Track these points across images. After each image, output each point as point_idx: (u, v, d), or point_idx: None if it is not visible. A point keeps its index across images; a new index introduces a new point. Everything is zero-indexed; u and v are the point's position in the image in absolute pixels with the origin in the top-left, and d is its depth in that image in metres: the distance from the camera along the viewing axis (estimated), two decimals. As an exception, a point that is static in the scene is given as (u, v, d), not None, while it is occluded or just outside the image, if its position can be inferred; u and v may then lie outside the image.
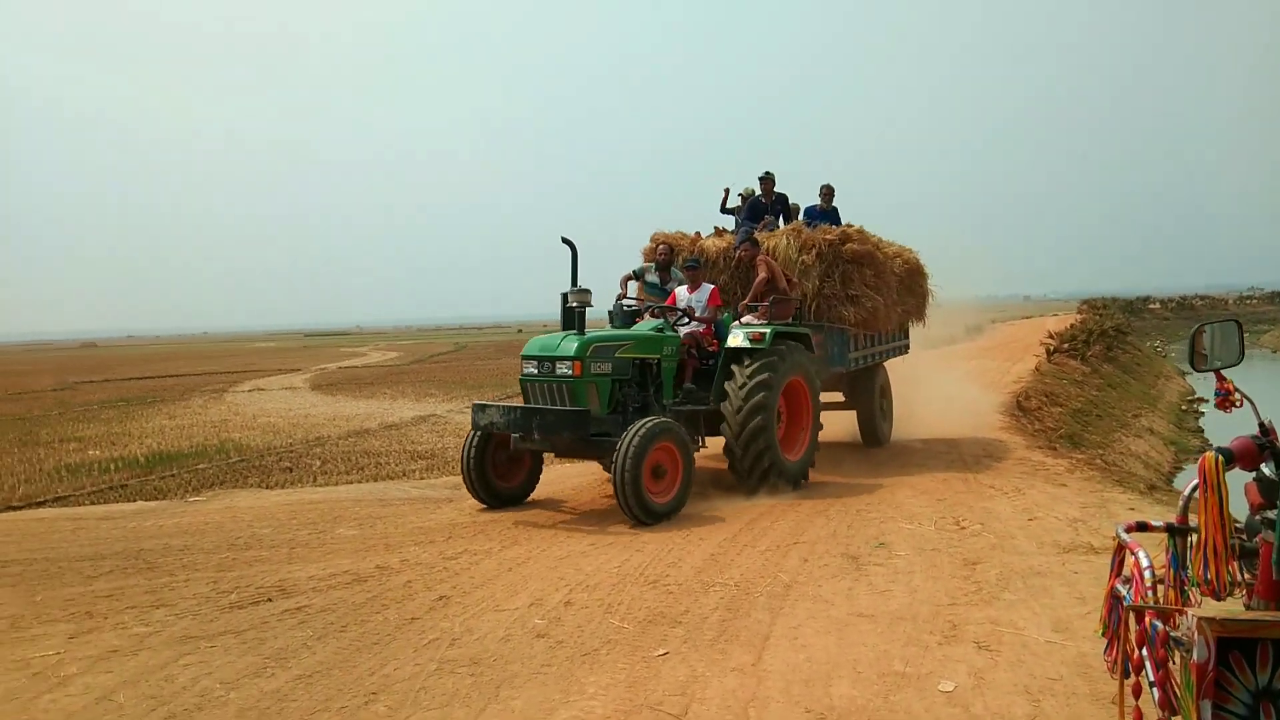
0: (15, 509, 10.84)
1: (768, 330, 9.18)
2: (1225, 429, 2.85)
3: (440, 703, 4.15)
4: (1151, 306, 64.22)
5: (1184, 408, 24.81)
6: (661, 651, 4.71)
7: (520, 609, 5.48)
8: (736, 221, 11.99)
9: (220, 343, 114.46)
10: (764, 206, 11.72)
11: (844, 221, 11.77)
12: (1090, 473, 10.85)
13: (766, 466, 8.89)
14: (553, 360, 8.38)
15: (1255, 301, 75.09)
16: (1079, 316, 39.99)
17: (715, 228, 11.85)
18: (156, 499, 10.79)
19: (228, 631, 5.15)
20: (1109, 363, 25.96)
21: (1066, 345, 24.77)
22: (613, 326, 9.72)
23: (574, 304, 8.56)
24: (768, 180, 11.76)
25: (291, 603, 5.69)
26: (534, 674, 4.47)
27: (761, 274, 9.89)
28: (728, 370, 9.17)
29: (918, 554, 6.61)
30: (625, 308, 10.07)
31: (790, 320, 9.90)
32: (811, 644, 4.79)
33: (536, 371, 8.50)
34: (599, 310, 10.46)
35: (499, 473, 8.96)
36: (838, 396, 12.31)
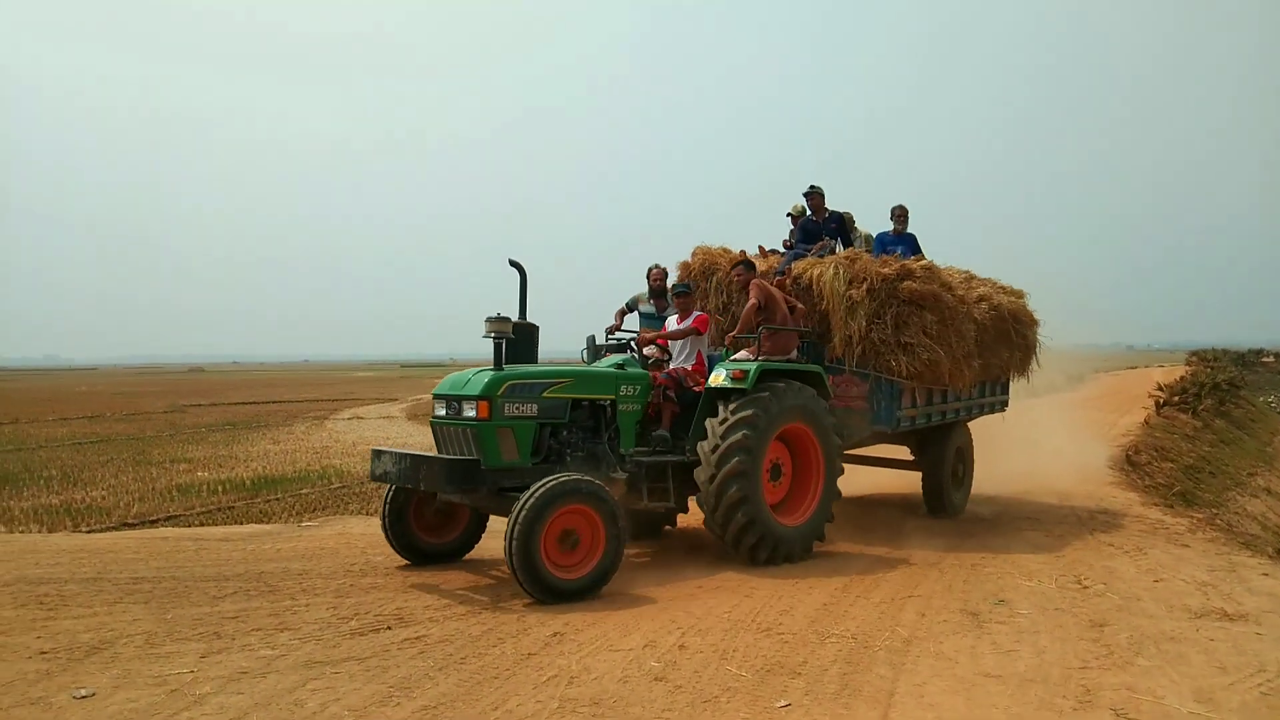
0: (131, 526, 11.31)
1: (752, 366, 7.89)
2: None
3: (565, 742, 4.13)
4: (1265, 360, 61.36)
5: (1304, 467, 23.57)
6: (783, 703, 4.62)
7: (634, 650, 5.45)
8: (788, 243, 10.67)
9: (321, 371, 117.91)
10: (817, 227, 10.24)
11: (923, 251, 10.46)
12: (1213, 533, 10.39)
13: (744, 524, 7.57)
14: (459, 400, 7.15)
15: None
16: (1188, 368, 38.47)
17: (760, 248, 10.60)
18: (262, 522, 11.11)
19: (351, 658, 5.23)
20: (1221, 417, 24.84)
21: (1177, 398, 23.81)
22: (584, 363, 8.72)
23: (489, 334, 7.17)
24: (815, 196, 10.23)
25: (410, 631, 5.76)
26: (655, 718, 4.42)
27: (751, 299, 8.43)
28: (708, 413, 7.92)
29: (1041, 613, 6.39)
30: (595, 343, 9.08)
31: (791, 357, 8.56)
32: (939, 704, 4.64)
33: (445, 413, 7.29)
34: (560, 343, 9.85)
35: (426, 526, 7.84)
36: (905, 452, 11.14)
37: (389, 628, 5.85)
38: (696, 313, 8.68)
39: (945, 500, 10.60)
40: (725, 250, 10.32)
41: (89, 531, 11.14)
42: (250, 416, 31.79)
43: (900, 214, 10.67)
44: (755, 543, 7.67)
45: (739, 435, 7.55)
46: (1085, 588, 7.15)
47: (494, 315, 7.14)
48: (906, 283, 9.06)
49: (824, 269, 9.22)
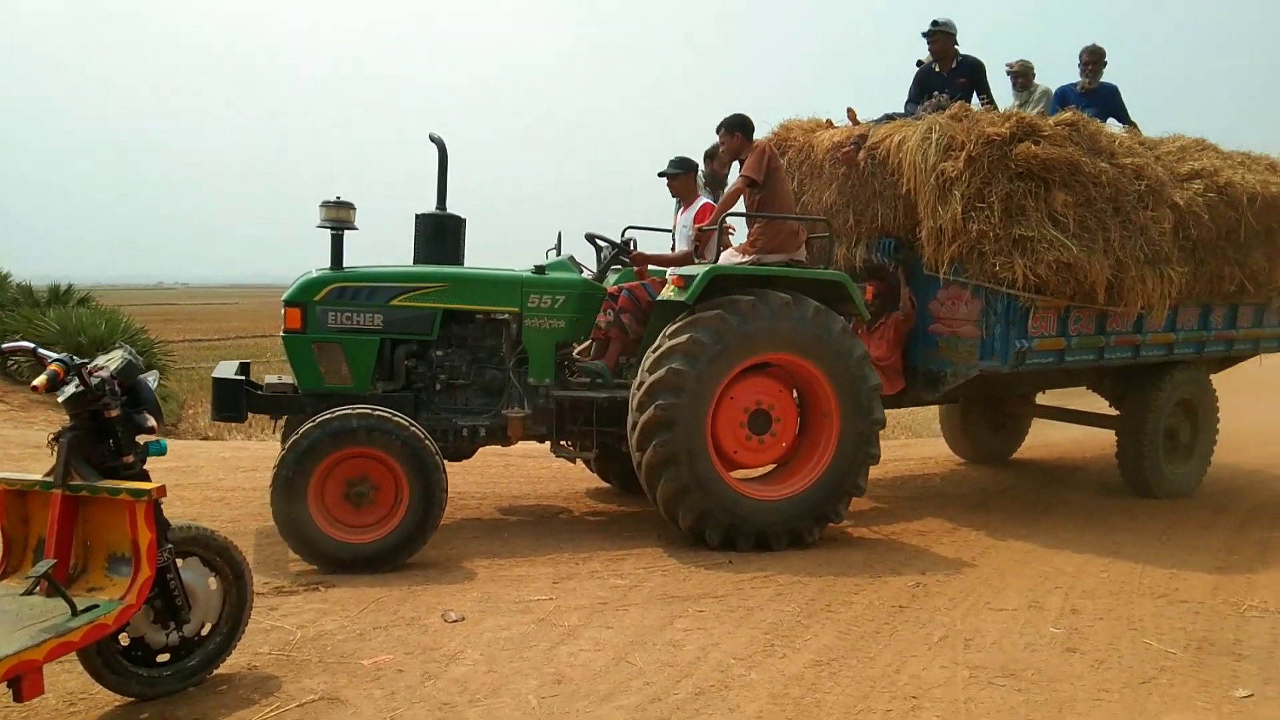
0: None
1: (698, 273, 5.69)
2: None
3: (999, 721, 3.56)
4: None
5: None
6: (1244, 692, 3.85)
7: (1020, 610, 4.79)
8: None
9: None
10: (940, 79, 7.32)
11: (1127, 112, 7.76)
12: None
13: (674, 492, 5.51)
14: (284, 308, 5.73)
15: None
16: None
17: (849, 111, 7.55)
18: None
19: (706, 594, 4.86)
20: None
21: None
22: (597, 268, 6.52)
23: (324, 222, 5.59)
24: (937, 36, 7.28)
25: (754, 568, 5.33)
26: (1094, 700, 3.76)
27: (741, 176, 6.11)
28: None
29: None
30: (597, 241, 6.62)
31: (793, 258, 6.18)
32: None
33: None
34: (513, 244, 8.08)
35: None
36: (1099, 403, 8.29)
37: (730, 562, 5.45)
38: (702, 200, 6.58)
39: (1149, 474, 7.55)
40: (816, 123, 7.64)
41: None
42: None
43: (1091, 59, 7.74)
44: (696, 519, 5.58)
45: (663, 371, 5.47)
46: None
47: (332, 199, 5.54)
48: (1024, 145, 6.24)
49: (907, 134, 6.52)
